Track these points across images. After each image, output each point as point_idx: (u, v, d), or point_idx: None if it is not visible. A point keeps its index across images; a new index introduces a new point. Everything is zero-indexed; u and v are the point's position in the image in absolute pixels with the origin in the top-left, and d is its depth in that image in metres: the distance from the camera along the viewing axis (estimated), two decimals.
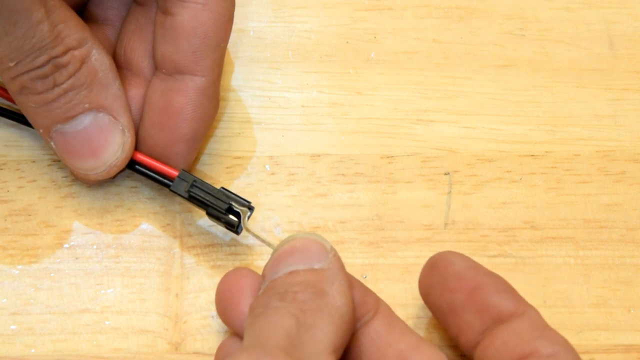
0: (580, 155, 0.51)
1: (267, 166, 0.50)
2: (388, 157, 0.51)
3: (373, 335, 0.43)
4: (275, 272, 0.42)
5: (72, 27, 0.44)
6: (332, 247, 0.43)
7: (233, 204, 0.46)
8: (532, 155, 0.51)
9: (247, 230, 0.46)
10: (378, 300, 0.44)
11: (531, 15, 0.54)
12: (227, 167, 0.50)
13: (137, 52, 0.48)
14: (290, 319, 0.40)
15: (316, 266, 0.42)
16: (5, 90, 0.47)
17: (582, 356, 0.47)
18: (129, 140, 0.47)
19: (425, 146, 0.51)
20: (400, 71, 0.52)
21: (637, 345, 0.48)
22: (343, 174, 0.50)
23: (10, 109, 0.49)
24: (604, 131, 0.52)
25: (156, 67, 0.47)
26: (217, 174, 0.50)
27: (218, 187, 0.47)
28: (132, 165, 0.47)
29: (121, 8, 0.49)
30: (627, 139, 0.52)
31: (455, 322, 0.43)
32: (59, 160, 0.50)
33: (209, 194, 0.46)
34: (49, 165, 0.50)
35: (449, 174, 0.51)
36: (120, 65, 0.48)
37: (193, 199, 0.46)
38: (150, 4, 0.48)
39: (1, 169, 0.50)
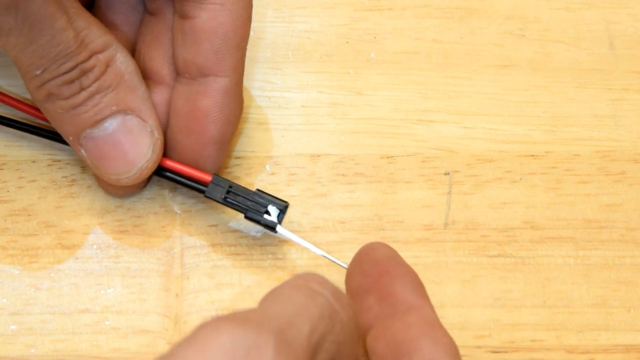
0: (580, 155, 0.51)
1: (267, 166, 0.50)
2: (388, 157, 0.51)
3: None
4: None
5: (95, 32, 0.44)
6: None
7: (270, 205, 0.47)
8: (532, 155, 0.51)
9: (280, 231, 0.47)
10: None
11: (531, 15, 0.54)
12: (227, 167, 0.50)
13: (157, 61, 0.48)
14: (325, 322, 0.36)
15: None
16: (8, 96, 0.48)
17: (582, 356, 0.48)
18: (158, 141, 0.46)
19: (425, 146, 0.51)
20: (400, 71, 0.53)
21: (637, 345, 0.48)
22: (343, 174, 0.50)
23: (10, 118, 0.49)
24: (604, 131, 0.52)
25: (178, 73, 0.47)
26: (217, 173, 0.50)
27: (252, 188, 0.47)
28: (164, 173, 0.47)
29: (129, 13, 0.49)
30: (627, 139, 0.52)
31: (357, 304, 0.43)
32: (59, 160, 0.50)
33: (245, 198, 0.47)
34: (49, 165, 0.50)
35: (449, 174, 0.51)
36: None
37: (230, 204, 0.47)
38: (163, 13, 0.48)
39: (1, 169, 0.50)
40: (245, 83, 0.52)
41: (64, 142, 0.48)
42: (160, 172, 0.47)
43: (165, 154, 0.48)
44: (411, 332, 0.41)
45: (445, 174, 0.51)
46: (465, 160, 0.51)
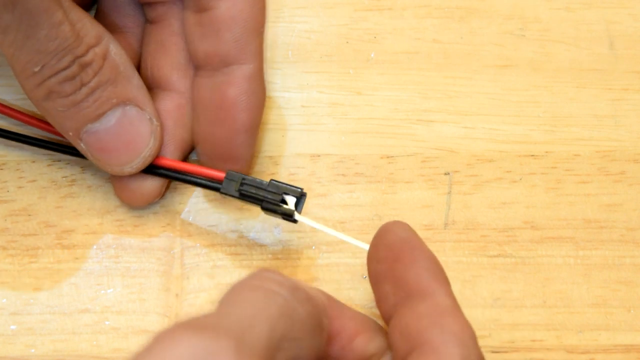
0: (580, 155, 0.51)
1: (267, 166, 0.50)
2: (388, 157, 0.51)
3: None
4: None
5: (88, 25, 0.44)
6: None
7: (285, 194, 0.46)
8: (532, 155, 0.51)
9: (299, 218, 0.46)
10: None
11: (531, 15, 0.54)
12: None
13: (164, 69, 0.48)
14: (283, 320, 0.36)
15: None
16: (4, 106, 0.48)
17: (582, 356, 0.48)
18: (157, 128, 0.47)
19: (425, 146, 0.51)
20: (400, 71, 0.52)
21: (637, 345, 0.48)
22: (343, 174, 0.50)
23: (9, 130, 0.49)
24: (604, 131, 0.52)
25: (199, 67, 0.48)
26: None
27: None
28: (179, 176, 0.47)
29: (138, 15, 0.49)
30: (627, 139, 0.52)
31: (377, 292, 0.43)
32: (59, 160, 0.50)
33: (260, 188, 0.46)
34: (49, 165, 0.50)
35: (449, 174, 0.51)
36: (150, 85, 0.48)
37: (245, 197, 0.46)
38: (166, 19, 0.48)
39: (1, 169, 0.50)
40: None
41: (62, 151, 0.48)
42: (174, 175, 0.47)
43: (195, 147, 0.48)
44: (421, 323, 0.40)
45: (445, 174, 0.51)
46: (465, 160, 0.51)
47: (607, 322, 0.48)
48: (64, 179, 0.49)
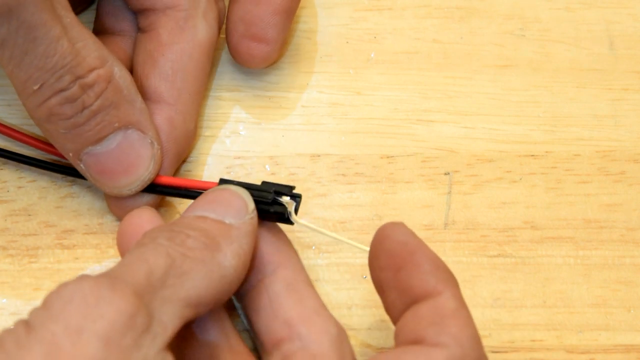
0: (580, 155, 0.51)
1: (267, 166, 0.50)
2: (388, 157, 0.51)
3: (271, 295, 0.44)
4: (189, 211, 0.43)
5: (91, 46, 0.44)
6: (254, 210, 0.43)
7: (278, 194, 0.45)
8: (532, 155, 0.51)
9: (295, 219, 0.45)
10: (289, 260, 0.44)
11: (531, 15, 0.54)
12: (227, 167, 0.50)
13: (152, 79, 0.48)
14: (163, 259, 0.39)
15: (227, 221, 0.42)
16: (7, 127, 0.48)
17: (582, 356, 0.48)
18: (158, 151, 0.46)
19: (425, 146, 0.51)
20: (400, 71, 0.53)
21: (637, 345, 0.48)
22: (343, 174, 0.50)
23: (10, 150, 0.49)
24: (604, 131, 0.52)
25: None
26: (217, 174, 0.50)
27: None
28: (174, 191, 0.47)
29: (134, 20, 0.49)
30: (627, 139, 0.52)
31: (384, 299, 0.43)
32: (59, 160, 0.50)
33: (253, 190, 0.45)
34: None
35: (449, 174, 0.51)
36: (141, 96, 0.48)
37: None
38: (154, 29, 0.48)
39: (1, 169, 0.50)
40: (245, 83, 0.52)
41: (61, 172, 0.48)
42: (169, 191, 0.47)
43: (229, 21, 0.49)
44: (421, 323, 0.41)
45: (445, 174, 0.51)
46: (465, 160, 0.51)
47: (607, 322, 0.48)
48: (64, 179, 0.49)
